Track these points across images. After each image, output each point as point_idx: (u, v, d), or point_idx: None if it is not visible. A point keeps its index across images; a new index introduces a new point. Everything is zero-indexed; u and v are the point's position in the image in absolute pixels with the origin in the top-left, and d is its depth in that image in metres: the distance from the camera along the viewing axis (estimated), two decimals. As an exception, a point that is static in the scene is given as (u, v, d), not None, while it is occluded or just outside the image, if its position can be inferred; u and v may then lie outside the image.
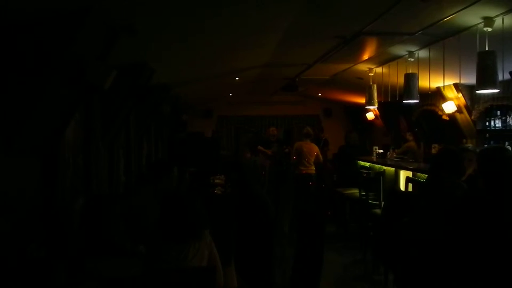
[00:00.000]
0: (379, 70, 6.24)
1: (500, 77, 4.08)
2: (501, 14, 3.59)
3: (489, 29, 3.76)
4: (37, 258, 2.63)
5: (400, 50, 5.20)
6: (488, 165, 2.86)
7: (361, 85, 7.12)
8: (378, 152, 8.03)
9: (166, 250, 2.59)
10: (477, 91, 4.55)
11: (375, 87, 6.49)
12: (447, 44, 4.43)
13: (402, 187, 5.66)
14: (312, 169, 7.48)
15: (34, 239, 2.93)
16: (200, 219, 2.67)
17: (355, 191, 6.49)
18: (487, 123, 6.72)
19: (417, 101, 5.54)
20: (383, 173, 6.32)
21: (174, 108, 7.74)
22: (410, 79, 5.33)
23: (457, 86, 6.45)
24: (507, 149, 4.17)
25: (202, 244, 2.63)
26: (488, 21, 3.70)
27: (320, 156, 7.63)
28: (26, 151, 3.08)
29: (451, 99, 6.69)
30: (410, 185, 5.04)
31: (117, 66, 3.30)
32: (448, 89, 6.59)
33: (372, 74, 6.44)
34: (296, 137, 7.97)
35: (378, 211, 5.53)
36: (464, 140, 6.78)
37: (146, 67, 4.64)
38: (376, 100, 6.54)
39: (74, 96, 3.29)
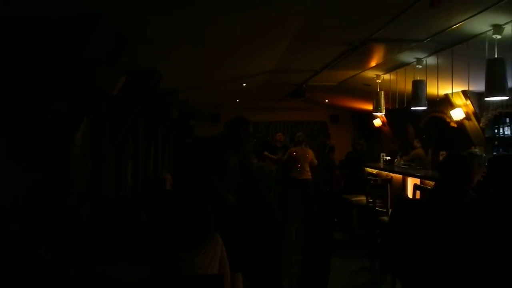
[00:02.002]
0: (386, 77, 6.22)
1: (509, 84, 4.06)
2: (510, 21, 3.57)
3: (498, 37, 3.74)
4: (46, 262, 2.64)
5: (408, 57, 5.19)
6: (499, 172, 2.84)
7: (368, 92, 7.11)
8: (386, 159, 7.99)
9: (179, 252, 2.61)
10: (486, 98, 4.52)
11: (382, 93, 6.47)
12: (456, 51, 4.41)
13: (410, 195, 5.62)
14: (308, 175, 7.38)
15: (43, 243, 2.95)
16: (212, 222, 2.70)
17: (363, 198, 6.46)
18: (496, 131, 6.67)
19: (425, 108, 5.51)
20: (390, 180, 6.29)
21: (182, 113, 7.78)
22: (418, 86, 5.31)
23: (465, 93, 6.41)
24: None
25: (214, 245, 2.67)
26: (497, 28, 3.68)
27: (315, 160, 7.46)
28: (36, 156, 3.11)
29: (459, 106, 6.66)
30: (417, 192, 5.01)
31: (126, 71, 3.33)
32: (457, 96, 6.55)
33: (379, 81, 6.42)
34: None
35: (385, 218, 5.49)
36: (473, 147, 6.73)
37: (155, 72, 4.67)
38: (383, 107, 6.52)
39: (83, 101, 3.32)
